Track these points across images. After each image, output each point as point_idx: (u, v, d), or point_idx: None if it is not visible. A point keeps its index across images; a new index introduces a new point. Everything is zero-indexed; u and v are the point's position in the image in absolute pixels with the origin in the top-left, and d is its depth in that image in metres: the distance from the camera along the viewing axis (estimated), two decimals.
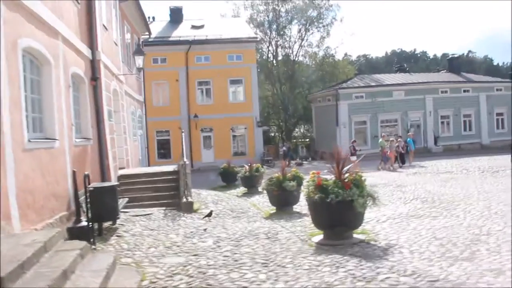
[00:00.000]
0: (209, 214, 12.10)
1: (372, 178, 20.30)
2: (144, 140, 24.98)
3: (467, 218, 9.40)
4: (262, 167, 19.46)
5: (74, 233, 7.64)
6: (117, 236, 8.89)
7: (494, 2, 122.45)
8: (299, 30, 52.14)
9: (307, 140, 52.71)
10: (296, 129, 57.39)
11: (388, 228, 8.93)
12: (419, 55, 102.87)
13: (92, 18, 12.41)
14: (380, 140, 26.43)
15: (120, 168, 15.52)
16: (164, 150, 36.52)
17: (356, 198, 7.43)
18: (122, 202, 10.76)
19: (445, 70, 49.76)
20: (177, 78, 36.58)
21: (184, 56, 36.43)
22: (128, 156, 17.40)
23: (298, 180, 12.44)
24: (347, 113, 38.94)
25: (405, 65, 56.73)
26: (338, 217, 7.57)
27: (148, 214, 11.52)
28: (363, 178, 7.93)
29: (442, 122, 41.38)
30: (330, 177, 8.02)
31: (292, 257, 6.73)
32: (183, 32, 38.58)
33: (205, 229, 9.58)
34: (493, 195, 12.28)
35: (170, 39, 37.55)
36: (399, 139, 27.21)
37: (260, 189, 17.01)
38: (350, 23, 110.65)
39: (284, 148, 37.44)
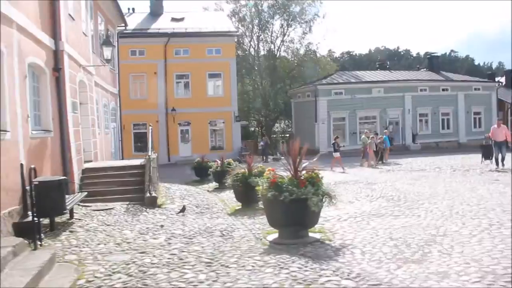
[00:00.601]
0: (183, 209, 11.94)
1: (346, 174, 20.32)
2: (117, 133, 24.58)
3: (427, 218, 9.32)
4: (234, 161, 19.23)
5: (20, 229, 7.41)
6: (70, 231, 8.65)
7: (477, 3, 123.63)
8: (281, 25, 51.94)
9: (287, 135, 52.57)
10: (277, 124, 57.23)
11: (347, 227, 8.81)
12: (402, 53, 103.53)
13: (55, 7, 12.06)
14: (363, 136, 26.37)
15: (87, 161, 15.22)
16: (141, 143, 35.96)
17: (311, 197, 7.26)
18: (78, 196, 10.51)
19: (425, 69, 50.04)
20: (155, 70, 36.06)
21: (162, 49, 35.93)
22: (96, 149, 17.08)
23: None
24: (326, 109, 38.88)
25: (388, 62, 56.81)
26: (292, 216, 7.40)
27: (109, 209, 11.30)
28: (320, 176, 7.78)
29: (421, 120, 41.64)
30: (287, 175, 7.86)
31: (239, 256, 6.55)
32: (162, 24, 38.06)
33: (162, 226, 9.37)
34: (459, 195, 12.24)
35: (149, 31, 36.99)
36: (380, 136, 27.25)
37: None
38: (334, 19, 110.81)
39: (262, 143, 37.23)
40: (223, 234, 8.30)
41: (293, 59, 54.45)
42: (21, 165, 7.77)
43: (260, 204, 12.23)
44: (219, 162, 18.80)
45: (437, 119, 41.74)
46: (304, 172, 7.80)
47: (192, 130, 36.98)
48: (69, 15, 13.77)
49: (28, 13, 10.24)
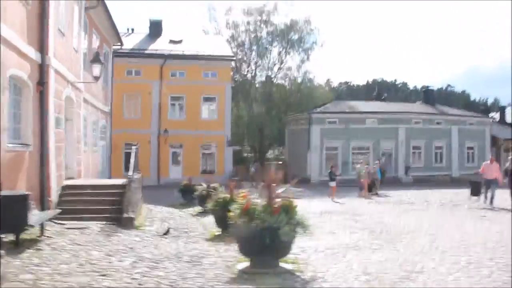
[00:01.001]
0: (167, 232, 11.73)
1: (333, 204, 20.07)
2: (106, 151, 24.33)
3: (406, 253, 9.06)
4: (221, 186, 18.95)
5: None
6: (36, 249, 8.35)
7: (476, 39, 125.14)
8: (279, 53, 52.16)
9: (280, 162, 52.23)
10: (270, 151, 56.99)
11: (322, 259, 8.54)
12: (399, 85, 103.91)
13: (43, 21, 11.99)
14: (358, 166, 26.24)
15: (69, 178, 14.95)
16: None
17: (283, 226, 7.02)
18: (51, 213, 10.24)
19: (420, 101, 50.19)
20: (150, 91, 36.00)
21: (159, 70, 35.98)
22: (81, 166, 16.82)
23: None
24: (319, 138, 38.75)
25: (385, 94, 56.91)
26: (263, 245, 7.12)
27: (83, 228, 10.99)
28: (294, 205, 7.54)
29: (414, 153, 41.43)
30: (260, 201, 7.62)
31: (201, 285, 6.29)
32: (160, 45, 38.07)
33: (131, 248, 9.09)
34: (442, 230, 12.02)
35: (146, 51, 37.05)
36: (370, 167, 27.14)
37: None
38: (333, 50, 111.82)
39: (253, 169, 36.98)
40: (192, 260, 8.02)
41: (289, 86, 54.51)
42: None
43: None
44: (205, 185, 18.54)
45: (430, 152, 41.61)
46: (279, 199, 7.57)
47: (184, 152, 36.76)
48: (59, 30, 13.67)
49: (14, 26, 10.15)
